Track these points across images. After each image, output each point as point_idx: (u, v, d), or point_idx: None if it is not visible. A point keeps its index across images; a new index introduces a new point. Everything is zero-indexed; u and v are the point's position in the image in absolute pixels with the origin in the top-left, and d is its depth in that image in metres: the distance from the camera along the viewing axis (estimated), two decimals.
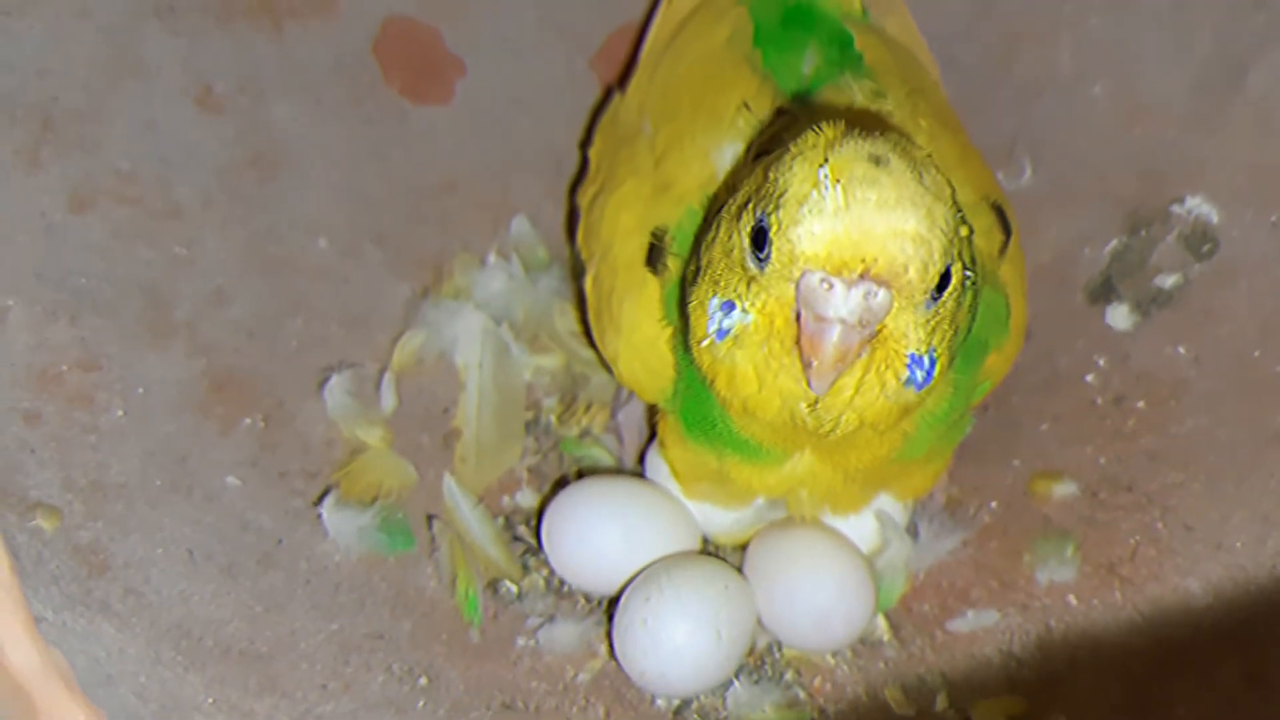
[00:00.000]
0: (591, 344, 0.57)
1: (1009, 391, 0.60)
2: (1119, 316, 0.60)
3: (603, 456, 0.60)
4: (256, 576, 0.48)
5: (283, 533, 0.50)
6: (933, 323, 0.41)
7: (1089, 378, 0.60)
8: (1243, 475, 0.52)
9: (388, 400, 0.58)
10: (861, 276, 0.39)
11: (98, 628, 0.44)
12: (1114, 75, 0.63)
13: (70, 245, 0.53)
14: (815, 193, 0.39)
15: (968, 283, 0.44)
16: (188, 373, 0.53)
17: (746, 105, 0.52)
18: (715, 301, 0.42)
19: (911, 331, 0.41)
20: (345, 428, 0.56)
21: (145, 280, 0.54)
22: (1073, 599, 0.53)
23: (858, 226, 0.39)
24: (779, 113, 0.52)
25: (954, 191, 0.42)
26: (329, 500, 0.52)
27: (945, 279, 0.41)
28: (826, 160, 0.40)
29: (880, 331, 0.41)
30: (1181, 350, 0.58)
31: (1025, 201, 0.62)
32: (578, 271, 0.58)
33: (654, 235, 0.51)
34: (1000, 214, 0.52)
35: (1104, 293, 0.61)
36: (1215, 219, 0.60)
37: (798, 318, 0.40)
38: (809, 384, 0.40)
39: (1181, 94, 0.62)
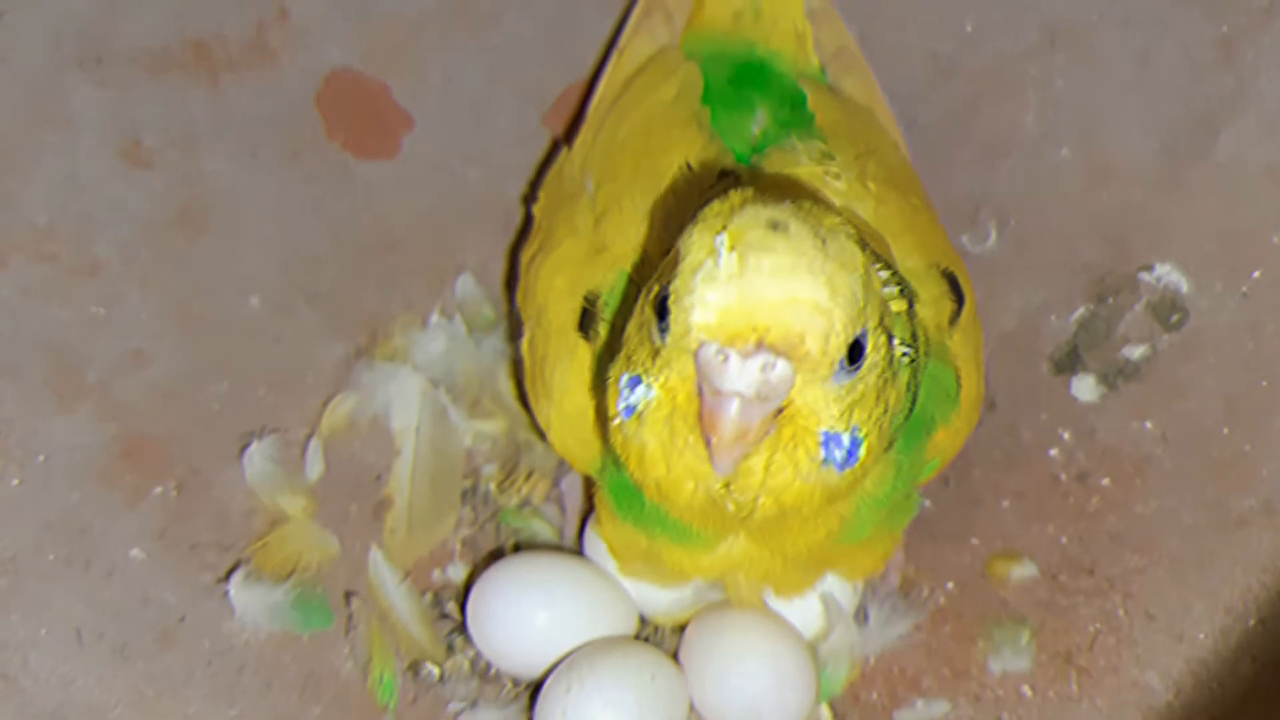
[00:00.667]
0: (528, 410, 0.54)
1: (969, 465, 0.57)
2: (1085, 388, 0.58)
3: (543, 529, 0.57)
4: (151, 657, 0.46)
5: (186, 609, 0.48)
6: (849, 399, 0.39)
7: (1053, 452, 0.57)
8: (1206, 561, 0.50)
9: (314, 467, 0.55)
10: (757, 347, 0.37)
11: None
12: (1080, 137, 0.61)
13: None
14: (710, 260, 0.37)
15: (903, 359, 0.41)
16: (96, 438, 0.50)
17: (689, 166, 0.50)
18: (625, 378, 0.40)
19: (823, 408, 0.38)
20: (265, 497, 0.53)
21: (56, 340, 0.52)
22: (1027, 690, 0.50)
23: (750, 294, 0.37)
24: (721, 174, 0.50)
25: (871, 262, 0.40)
26: (237, 575, 0.50)
27: (859, 352, 0.38)
28: (725, 227, 0.38)
29: (787, 407, 0.38)
30: (1148, 425, 0.56)
31: (989, 266, 0.60)
32: (516, 334, 0.56)
33: (586, 299, 0.48)
34: (952, 282, 0.49)
35: (1070, 363, 0.59)
36: (1185, 288, 0.58)
37: (701, 393, 0.38)
38: (713, 463, 0.38)
39: (1149, 157, 0.60)
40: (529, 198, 0.60)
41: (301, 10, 0.62)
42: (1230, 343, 0.55)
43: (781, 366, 0.37)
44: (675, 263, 0.39)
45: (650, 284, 0.42)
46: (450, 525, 0.56)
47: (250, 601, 0.49)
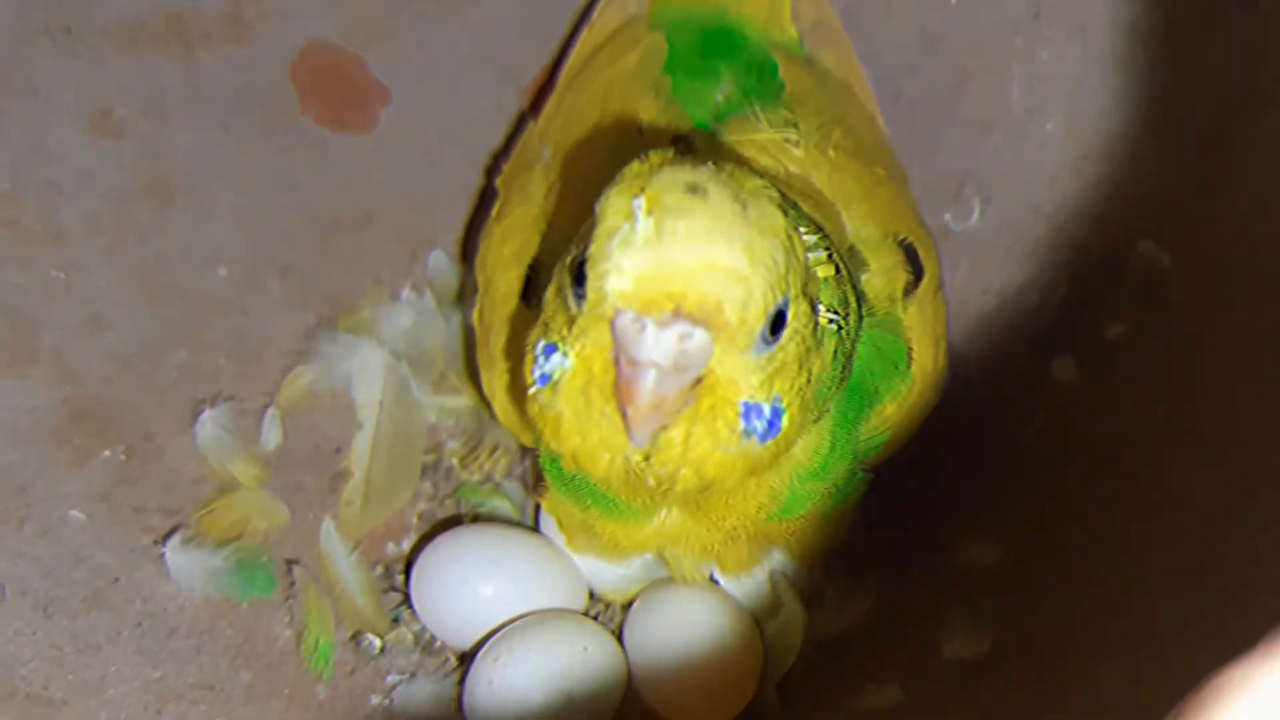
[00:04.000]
0: (477, 382, 0.53)
1: (940, 446, 0.55)
2: (1064, 369, 0.56)
3: (503, 505, 0.56)
4: (76, 616, 0.45)
5: (121, 571, 0.47)
6: (769, 368, 0.37)
7: (1027, 435, 0.55)
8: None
9: (270, 437, 0.55)
10: (674, 316, 0.35)
11: None
12: (1066, 112, 0.59)
13: None
14: (627, 225, 0.36)
15: (830, 326, 0.40)
16: (45, 401, 0.50)
17: (639, 131, 0.49)
18: (541, 345, 0.39)
19: (742, 378, 0.37)
20: (216, 463, 0.53)
21: (11, 304, 0.52)
22: (984, 677, 0.48)
23: (665, 261, 0.35)
24: (674, 140, 0.49)
25: (795, 226, 0.38)
26: (175, 539, 0.49)
27: (780, 321, 0.37)
28: (643, 190, 0.36)
29: (706, 378, 0.37)
30: (1128, 407, 0.54)
31: (972, 245, 0.59)
32: (468, 304, 0.55)
33: (530, 267, 0.47)
34: (910, 253, 0.48)
35: (1049, 343, 0.57)
36: (1168, 266, 0.55)
37: (617, 362, 0.37)
38: (629, 434, 0.37)
39: (1136, 134, 0.58)
40: (492, 169, 0.60)
41: None
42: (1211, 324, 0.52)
43: (699, 336, 0.36)
44: (593, 227, 0.38)
45: (570, 249, 0.41)
46: (407, 498, 0.55)
47: (187, 565, 0.49)
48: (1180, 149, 0.57)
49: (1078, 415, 0.54)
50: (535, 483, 0.53)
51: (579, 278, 0.37)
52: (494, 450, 0.58)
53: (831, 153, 0.50)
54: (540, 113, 0.57)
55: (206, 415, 0.53)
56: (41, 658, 0.44)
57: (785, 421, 0.38)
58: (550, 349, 0.39)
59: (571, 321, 0.38)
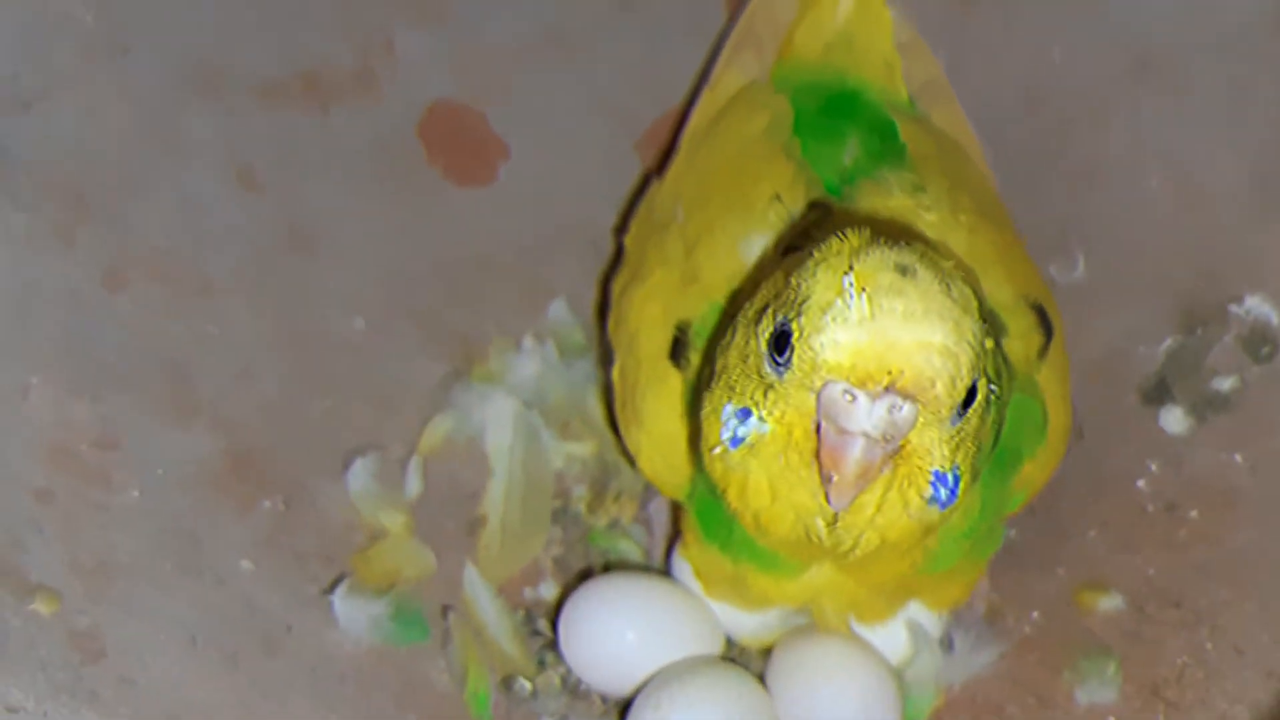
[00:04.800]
0: (618, 435, 0.55)
1: (1056, 496, 0.57)
2: (1173, 420, 0.58)
3: (630, 549, 0.58)
4: (259, 663, 0.47)
5: (292, 619, 0.49)
6: (957, 439, 0.40)
7: (1140, 483, 0.57)
8: None
9: (413, 485, 0.57)
10: (886, 389, 0.38)
11: (81, 717, 0.43)
12: (1169, 164, 0.61)
13: (99, 322, 0.53)
14: (840, 300, 0.38)
15: (992, 396, 0.42)
16: (208, 452, 0.53)
17: (779, 197, 0.51)
18: (730, 408, 0.41)
19: (936, 448, 0.39)
20: (367, 512, 0.55)
21: (171, 357, 0.54)
22: None
23: (883, 337, 0.37)
24: (811, 206, 0.51)
25: (982, 303, 0.41)
26: (342, 588, 0.51)
27: (971, 394, 0.39)
28: (851, 268, 0.38)
29: (904, 447, 0.39)
30: (1238, 458, 0.56)
31: (1077, 295, 0.60)
32: (606, 360, 0.57)
33: (678, 328, 0.50)
34: (1041, 314, 0.50)
35: (1158, 394, 0.59)
36: (1275, 320, 0.58)
37: (818, 429, 0.39)
38: (828, 499, 0.39)
39: (1241, 185, 0.60)
40: (620, 229, 0.62)
41: (405, 41, 0.64)
42: None
43: (908, 409, 0.38)
44: (793, 299, 0.40)
45: (751, 313, 0.42)
46: (541, 544, 0.58)
47: (352, 613, 0.51)
48: None
49: (1189, 466, 0.56)
50: (674, 533, 0.55)
51: (780, 347, 0.39)
52: (618, 496, 0.60)
53: (962, 216, 0.51)
54: (666, 173, 0.59)
55: (358, 465, 0.55)
56: (235, 704, 0.46)
57: (961, 489, 0.40)
58: (744, 413, 0.40)
59: (767, 388, 0.40)
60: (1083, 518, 0.57)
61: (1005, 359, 0.47)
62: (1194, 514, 0.55)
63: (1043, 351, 0.49)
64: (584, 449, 0.61)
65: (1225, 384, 0.57)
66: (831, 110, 0.56)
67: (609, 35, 0.66)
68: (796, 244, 0.49)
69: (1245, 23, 0.61)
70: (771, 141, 0.54)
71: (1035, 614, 0.54)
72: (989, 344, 0.43)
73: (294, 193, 0.60)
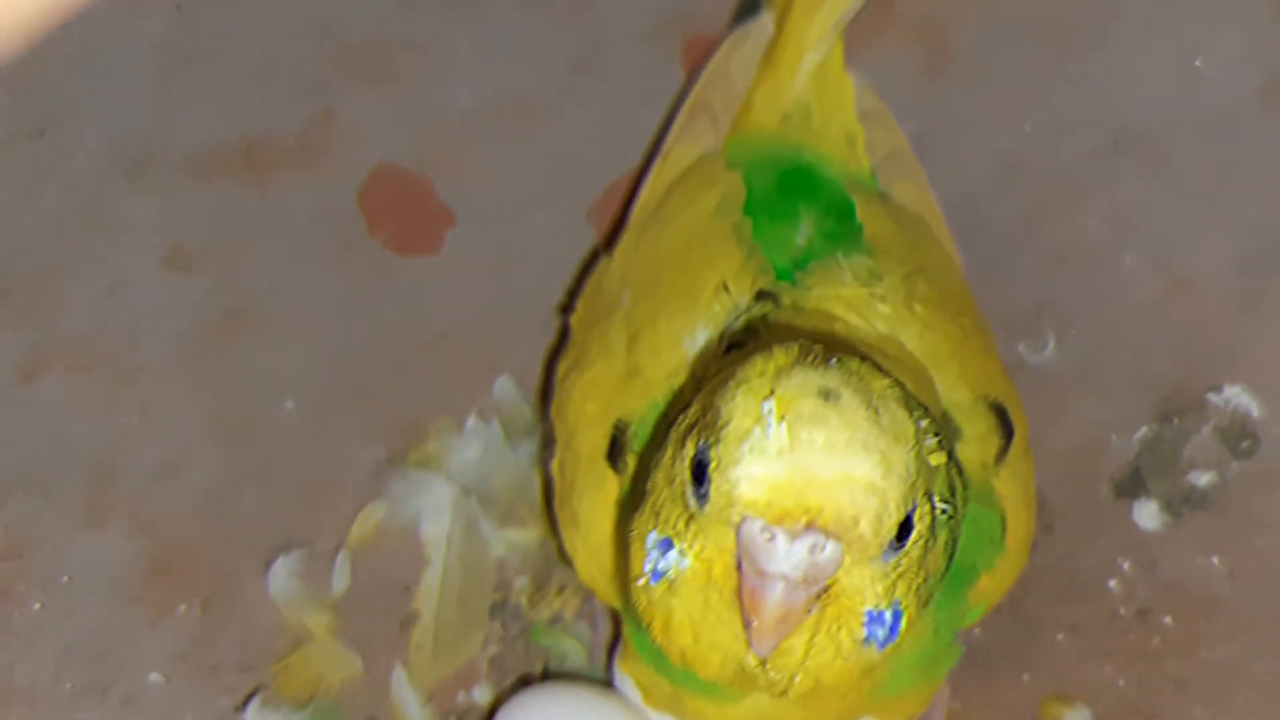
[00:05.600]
0: (556, 532, 0.53)
1: (1024, 594, 0.54)
2: (1148, 515, 0.55)
3: (573, 649, 0.55)
4: None
5: None
6: (894, 575, 0.36)
7: (1112, 583, 0.54)
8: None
9: (340, 581, 0.54)
10: (806, 528, 0.35)
11: None
12: (1149, 245, 0.58)
13: (12, 419, 0.50)
14: (758, 429, 0.35)
15: (943, 517, 0.39)
16: (122, 555, 0.50)
17: (725, 286, 0.48)
18: (653, 537, 0.38)
19: (868, 587, 0.36)
20: (289, 614, 0.52)
21: (88, 453, 0.51)
22: None
23: (802, 472, 0.34)
24: (759, 296, 0.48)
25: (929, 413, 0.38)
26: (255, 702, 0.49)
27: (906, 528, 0.36)
28: (772, 392, 0.35)
29: (831, 588, 0.36)
30: (1215, 561, 0.53)
31: (1048, 379, 0.58)
32: (548, 447, 0.55)
33: (616, 428, 0.47)
34: (1001, 414, 0.47)
35: (1132, 486, 0.56)
36: (1256, 413, 0.55)
37: (739, 566, 0.36)
38: (750, 645, 0.36)
39: (1224, 269, 0.57)
40: (566, 308, 0.59)
41: (348, 107, 0.62)
42: None
43: (831, 549, 0.35)
44: (713, 422, 0.37)
45: (680, 433, 0.39)
46: (478, 643, 0.54)
47: None
48: (1270, 288, 0.56)
49: (1165, 567, 0.53)
50: (613, 643, 0.52)
51: (699, 476, 0.36)
52: (562, 589, 0.57)
53: (919, 308, 0.48)
54: (615, 249, 0.56)
55: (280, 563, 0.53)
56: None
57: (904, 624, 0.37)
58: (665, 544, 0.38)
59: (690, 518, 0.37)
60: (1051, 619, 0.54)
61: (960, 469, 0.44)
62: (1168, 620, 0.52)
63: (1001, 454, 0.46)
64: (527, 536, 0.58)
65: (1203, 479, 0.54)
66: (786, 188, 0.53)
67: (563, 100, 0.64)
68: (740, 339, 0.46)
69: (1232, 98, 0.59)
70: (722, 222, 0.52)
71: None
72: (938, 460, 0.40)
73: (229, 272, 0.58)
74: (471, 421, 0.59)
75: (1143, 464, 0.56)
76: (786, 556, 0.34)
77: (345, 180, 0.61)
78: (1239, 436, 0.54)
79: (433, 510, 0.56)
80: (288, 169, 0.60)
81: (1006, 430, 0.47)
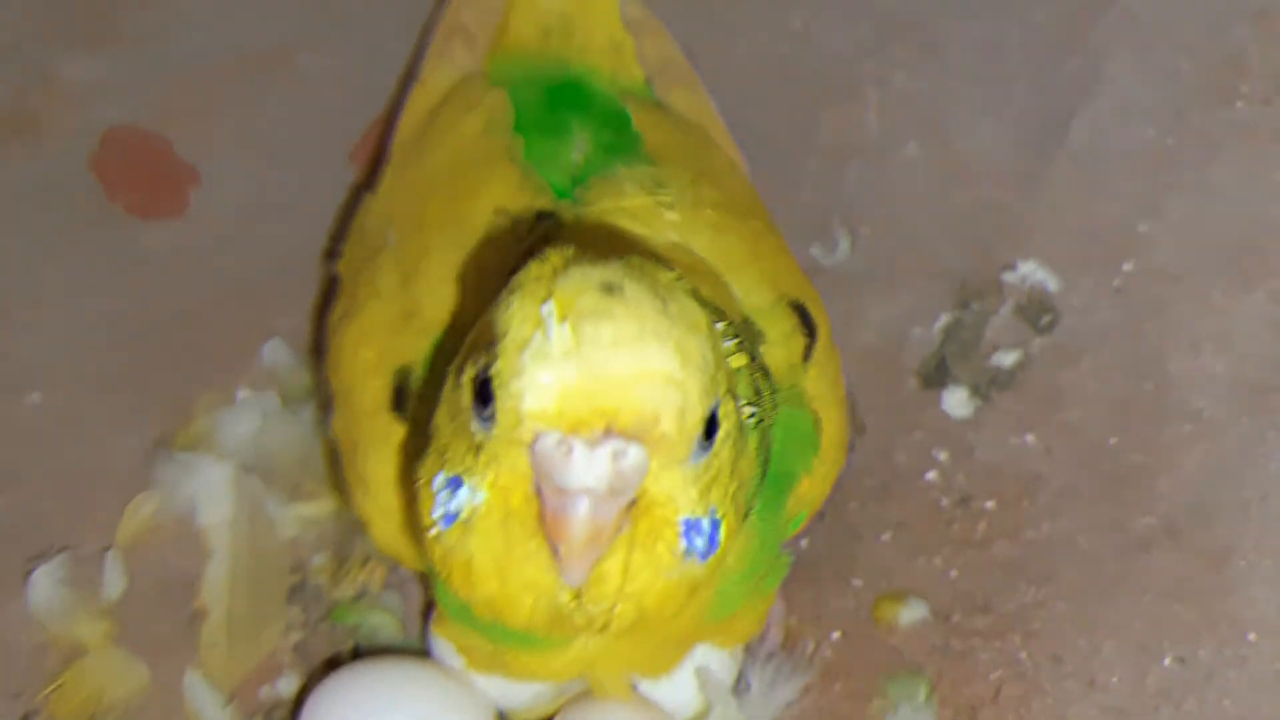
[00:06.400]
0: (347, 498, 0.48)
1: (844, 498, 0.53)
2: (957, 402, 0.54)
3: (384, 622, 0.51)
4: None
5: None
6: (706, 479, 0.34)
7: (930, 475, 0.53)
8: (1110, 591, 0.46)
9: (114, 583, 0.48)
10: (605, 434, 0.31)
11: None
12: (927, 134, 0.58)
13: None
14: (538, 334, 0.32)
15: (751, 421, 0.36)
16: None
17: (502, 210, 0.45)
18: (440, 478, 0.34)
19: (680, 493, 0.33)
20: (56, 628, 0.46)
21: None
22: None
23: (591, 372, 0.31)
24: (539, 217, 0.45)
25: (725, 314, 0.35)
26: None
27: (712, 426, 0.33)
28: (550, 294, 0.32)
29: (640, 499, 0.33)
30: (1029, 439, 0.52)
31: (844, 279, 0.56)
32: (328, 408, 0.50)
33: (397, 375, 0.43)
34: (803, 313, 0.45)
35: (939, 376, 0.55)
36: (1052, 287, 0.54)
37: (539, 491, 0.33)
38: (561, 574, 0.33)
39: (1002, 151, 0.57)
40: (331, 253, 0.54)
41: (68, 68, 0.56)
42: (1106, 343, 0.51)
43: (634, 453, 0.32)
44: (491, 339, 0.33)
45: (459, 362, 0.36)
46: (278, 631, 0.50)
47: None
48: (1051, 162, 0.56)
49: (980, 452, 0.53)
50: (427, 609, 0.48)
51: (484, 398, 0.33)
52: (365, 561, 0.53)
53: (708, 212, 0.46)
54: (377, 186, 0.52)
55: (40, 572, 0.47)
56: None
57: (723, 534, 0.35)
58: (454, 482, 0.34)
59: (477, 448, 0.34)
60: (874, 519, 0.52)
61: (766, 371, 0.41)
62: (990, 505, 0.51)
63: (807, 354, 0.44)
64: (320, 509, 0.53)
65: (1008, 359, 0.53)
66: (555, 103, 0.50)
67: (304, 42, 0.59)
68: (521, 265, 0.43)
69: None
70: (490, 143, 0.48)
71: (835, 634, 0.50)
72: (739, 361, 0.38)
73: None
74: (243, 393, 0.54)
75: (947, 352, 0.55)
76: (588, 468, 0.31)
77: (74, 146, 0.56)
78: (1039, 312, 0.54)
79: (209, 494, 0.51)
80: (5, 140, 0.53)
81: (809, 329, 0.45)
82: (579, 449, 0.31)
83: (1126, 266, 0.52)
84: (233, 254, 0.57)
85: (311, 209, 0.58)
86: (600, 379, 0.31)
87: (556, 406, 0.31)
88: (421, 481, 0.35)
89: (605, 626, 0.35)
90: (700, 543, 0.34)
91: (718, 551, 0.35)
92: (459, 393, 0.34)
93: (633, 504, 0.33)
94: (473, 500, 0.33)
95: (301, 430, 0.54)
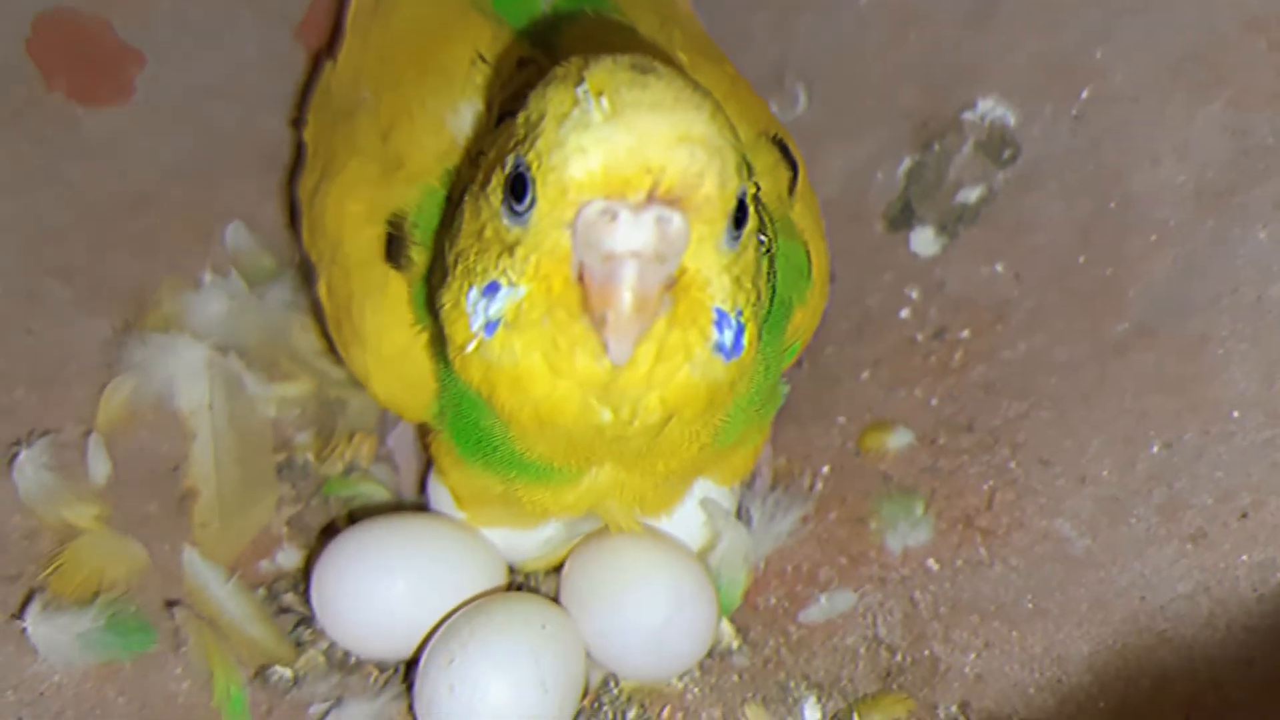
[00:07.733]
0: (340, 361, 0.48)
1: (821, 342, 0.54)
2: (925, 241, 0.55)
3: (376, 492, 0.51)
4: None
5: None
6: (736, 269, 0.34)
7: (904, 313, 0.54)
8: (1092, 394, 0.47)
9: (98, 468, 0.47)
10: (650, 197, 0.32)
11: None
12: None
13: None
14: (576, 109, 0.32)
15: (762, 248, 0.37)
16: None
17: (481, 57, 0.44)
18: (474, 293, 0.34)
19: (716, 275, 0.34)
20: (46, 512, 0.45)
21: None
22: (933, 563, 0.47)
23: (634, 132, 0.32)
24: (521, 63, 0.44)
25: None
26: (33, 607, 0.42)
27: (742, 211, 0.34)
28: (583, 78, 0.33)
29: (680, 277, 0.33)
30: (999, 268, 0.53)
31: (804, 132, 0.56)
32: (310, 277, 0.49)
33: (391, 224, 0.42)
34: (783, 149, 0.45)
35: (905, 218, 0.55)
36: (1012, 120, 0.55)
37: (580, 277, 0.33)
38: (607, 350, 0.33)
39: None
40: (298, 121, 0.53)
41: None
42: (1069, 168, 0.52)
43: (678, 220, 0.32)
44: (522, 132, 0.34)
45: (481, 175, 0.36)
46: (270, 507, 0.49)
47: (53, 634, 0.42)
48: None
49: (951, 286, 0.54)
50: (427, 462, 0.48)
51: (517, 192, 0.33)
52: (351, 435, 0.52)
53: (681, 54, 0.46)
54: (337, 53, 0.51)
55: (24, 456, 0.45)
56: None
57: (746, 340, 0.35)
58: (491, 288, 0.34)
59: (512, 247, 0.34)
60: (852, 360, 0.54)
61: (763, 205, 0.42)
62: (965, 334, 0.52)
63: (791, 187, 0.45)
64: (299, 388, 0.52)
65: (972, 194, 0.54)
66: None
67: None
68: (513, 108, 0.42)
69: None
70: None
71: (824, 468, 0.51)
72: (752, 187, 0.38)
73: None
74: (208, 277, 0.53)
75: (911, 194, 0.55)
76: (635, 231, 0.32)
77: (6, 31, 0.53)
78: (1000, 146, 0.55)
79: (186, 375, 0.50)
80: None
81: (791, 163, 0.45)
82: (624, 215, 0.32)
83: (1084, 93, 0.53)
84: (181, 138, 0.55)
85: (259, 90, 0.56)
86: (643, 138, 0.32)
87: (602, 168, 0.32)
88: (449, 306, 0.35)
89: (632, 420, 0.35)
90: (728, 337, 0.34)
91: (740, 355, 0.35)
92: (485, 202, 0.34)
93: (673, 282, 0.33)
94: (514, 296, 0.33)
95: (270, 312, 0.53)
